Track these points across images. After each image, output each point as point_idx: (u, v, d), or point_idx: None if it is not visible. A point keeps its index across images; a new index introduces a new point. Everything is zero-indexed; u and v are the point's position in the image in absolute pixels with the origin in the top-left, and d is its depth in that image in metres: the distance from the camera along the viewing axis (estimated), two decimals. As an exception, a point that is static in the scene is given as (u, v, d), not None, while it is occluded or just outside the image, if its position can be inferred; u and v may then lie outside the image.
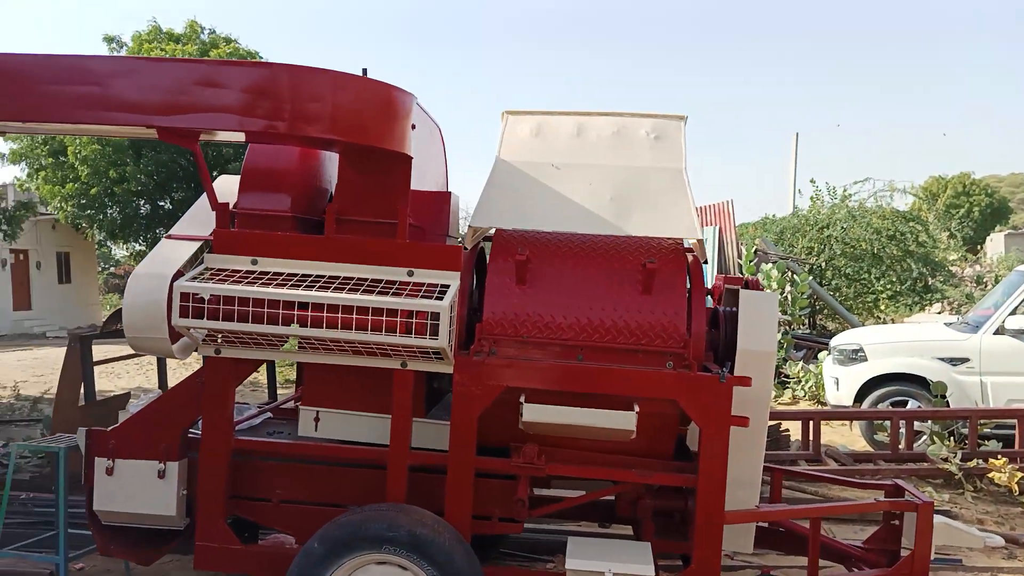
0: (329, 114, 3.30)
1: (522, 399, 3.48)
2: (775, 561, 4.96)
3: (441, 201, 4.11)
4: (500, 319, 3.58)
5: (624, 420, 3.41)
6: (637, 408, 3.45)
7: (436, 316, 3.33)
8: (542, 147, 3.98)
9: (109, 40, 20.34)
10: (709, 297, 4.29)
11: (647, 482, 3.65)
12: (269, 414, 4.50)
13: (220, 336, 3.53)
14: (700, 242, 3.75)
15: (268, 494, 3.82)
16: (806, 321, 17.09)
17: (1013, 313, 7.99)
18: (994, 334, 8.01)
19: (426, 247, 3.64)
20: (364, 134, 3.42)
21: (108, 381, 12.41)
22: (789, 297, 13.10)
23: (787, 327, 13.09)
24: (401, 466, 3.58)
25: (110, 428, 3.82)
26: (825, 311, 17.25)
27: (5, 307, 24.58)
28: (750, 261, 13.17)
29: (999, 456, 6.46)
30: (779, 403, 11.00)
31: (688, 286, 3.65)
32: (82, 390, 6.52)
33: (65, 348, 6.63)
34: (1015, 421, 6.92)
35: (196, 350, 3.67)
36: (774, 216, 20.65)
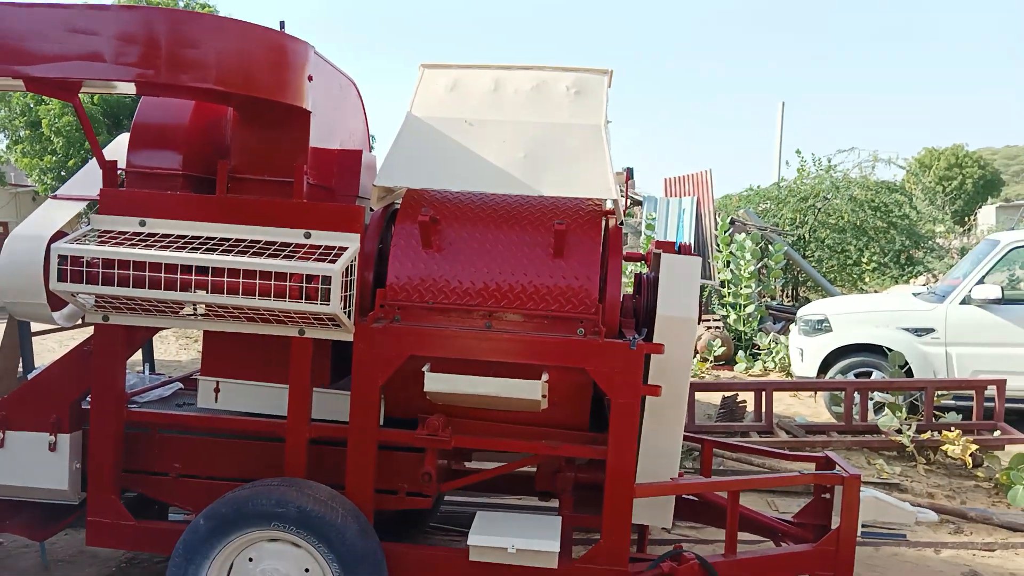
0: (210, 62, 3.06)
1: (425, 368, 3.30)
2: (714, 535, 4.82)
3: (350, 160, 3.89)
4: (404, 284, 3.39)
5: (530, 389, 3.23)
6: (546, 377, 3.27)
7: (328, 280, 3.14)
8: (457, 102, 3.75)
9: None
10: (643, 263, 4.11)
11: (554, 454, 3.49)
12: (180, 385, 4.32)
13: (107, 302, 3.34)
14: (617, 202, 3.55)
15: (166, 468, 3.65)
16: (788, 293, 16.95)
17: (980, 283, 7.82)
18: (960, 304, 7.84)
19: (324, 207, 3.43)
20: (252, 85, 3.19)
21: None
22: (766, 268, 12.94)
23: (762, 298, 12.95)
24: (300, 439, 3.40)
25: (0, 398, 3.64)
26: (808, 283, 17.09)
27: (-16, 279, 24.32)
28: (725, 231, 12.97)
29: (953, 428, 6.31)
30: (749, 375, 10.87)
31: (604, 249, 3.46)
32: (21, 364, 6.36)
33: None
34: (973, 392, 6.77)
35: (83, 318, 3.48)
36: (758, 187, 20.38)
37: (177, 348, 12.69)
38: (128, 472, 3.60)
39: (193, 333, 12.44)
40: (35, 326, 6.53)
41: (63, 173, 19.81)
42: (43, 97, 18.54)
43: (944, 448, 6.19)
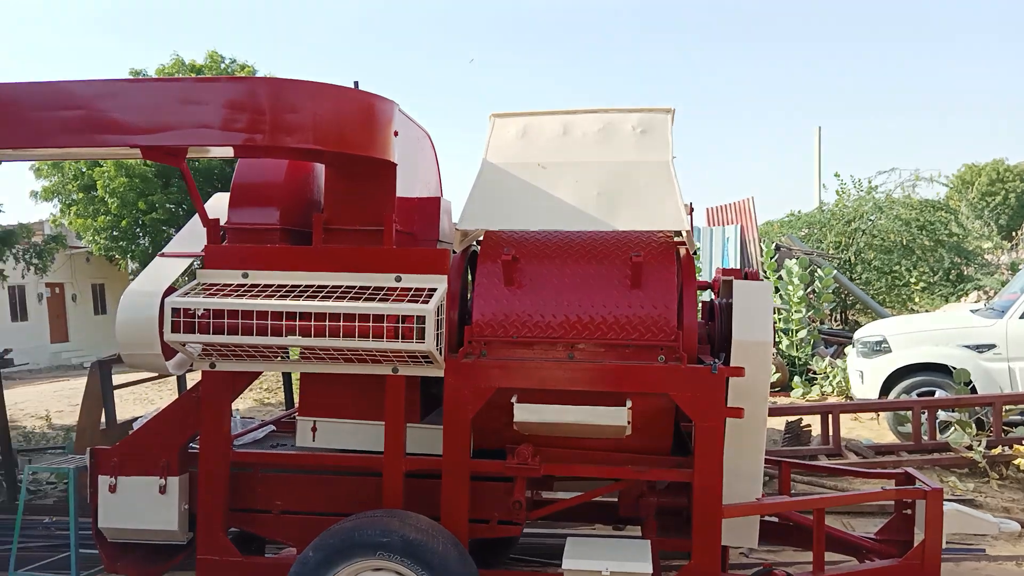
0: (308, 124, 3.32)
1: (513, 399, 3.46)
2: (792, 557, 4.86)
3: (430, 206, 4.12)
4: (490, 320, 3.57)
5: (616, 416, 3.38)
6: (630, 404, 3.41)
7: (422, 320, 3.33)
8: (528, 147, 3.97)
9: (135, 74, 20.83)
10: (710, 291, 4.24)
11: (642, 478, 3.61)
12: (272, 427, 4.53)
13: (214, 350, 3.57)
14: (689, 233, 3.71)
15: (268, 506, 3.84)
16: (836, 316, 16.82)
17: (1039, 296, 7.79)
18: (1020, 318, 7.79)
19: (412, 252, 3.65)
20: (345, 143, 3.44)
21: (141, 407, 12.62)
22: (815, 292, 12.91)
23: (813, 323, 12.90)
24: (396, 472, 3.58)
25: (112, 446, 3.88)
26: (857, 306, 16.95)
27: (43, 340, 25.17)
28: (771, 257, 13.00)
29: (1023, 442, 6.27)
30: (807, 400, 10.81)
31: (678, 278, 3.61)
32: (104, 415, 6.65)
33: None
34: (1043, 406, 6.73)
35: (192, 365, 3.72)
36: (799, 212, 20.36)
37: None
38: (233, 511, 3.79)
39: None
40: (116, 380, 6.88)
41: (115, 232, 20.59)
42: (98, 161, 19.35)
43: (1016, 462, 6.15)
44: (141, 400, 13.43)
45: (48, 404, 13.93)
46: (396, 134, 3.63)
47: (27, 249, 19.19)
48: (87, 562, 4.39)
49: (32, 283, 24.35)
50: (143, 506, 3.79)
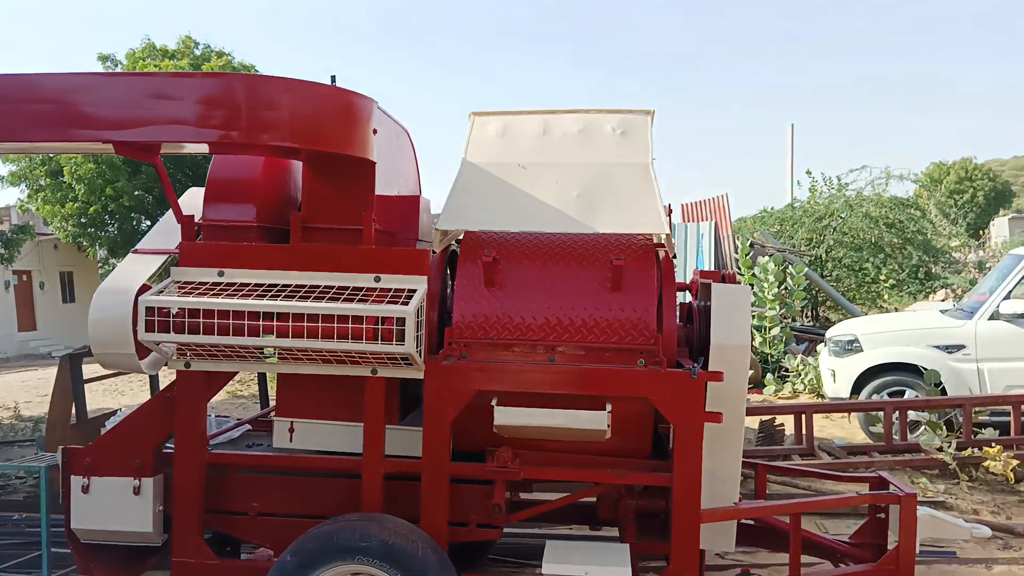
0: (285, 121, 3.27)
1: (493, 402, 3.44)
2: (766, 559, 4.91)
3: (410, 205, 4.08)
4: (470, 322, 3.54)
5: (596, 420, 3.37)
6: (610, 407, 3.41)
7: (402, 321, 3.30)
8: (508, 147, 3.94)
9: (104, 59, 20.42)
10: (687, 292, 4.25)
11: (621, 482, 3.61)
12: (248, 427, 4.47)
13: (189, 350, 3.51)
14: (668, 237, 3.71)
15: (244, 508, 3.78)
16: (808, 313, 17.02)
17: (1007, 298, 7.91)
18: (989, 319, 7.92)
19: (392, 252, 3.61)
20: (323, 140, 3.39)
21: (112, 399, 12.44)
22: (787, 289, 13.04)
23: (785, 320, 13.03)
24: (375, 474, 3.54)
25: (85, 446, 3.80)
26: (828, 303, 17.16)
27: (10, 329, 24.70)
28: (746, 255, 13.10)
29: (993, 444, 6.38)
30: (779, 397, 10.94)
31: (658, 282, 3.61)
32: (74, 409, 6.53)
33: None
34: (1010, 408, 6.84)
35: (166, 364, 3.65)
36: (772, 209, 20.54)
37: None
38: (209, 512, 3.73)
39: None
40: (86, 372, 6.76)
41: (83, 220, 20.21)
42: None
43: (986, 464, 6.26)
44: (112, 392, 13.25)
45: (16, 395, 13.69)
46: (375, 132, 3.58)
47: (-6, 237, 18.79)
48: (59, 561, 4.31)
49: (-2, 270, 23.89)
50: (117, 507, 3.71)
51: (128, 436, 3.75)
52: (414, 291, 3.43)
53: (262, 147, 3.45)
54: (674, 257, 3.83)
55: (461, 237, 3.92)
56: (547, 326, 3.51)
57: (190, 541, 3.63)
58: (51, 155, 19.75)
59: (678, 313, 3.97)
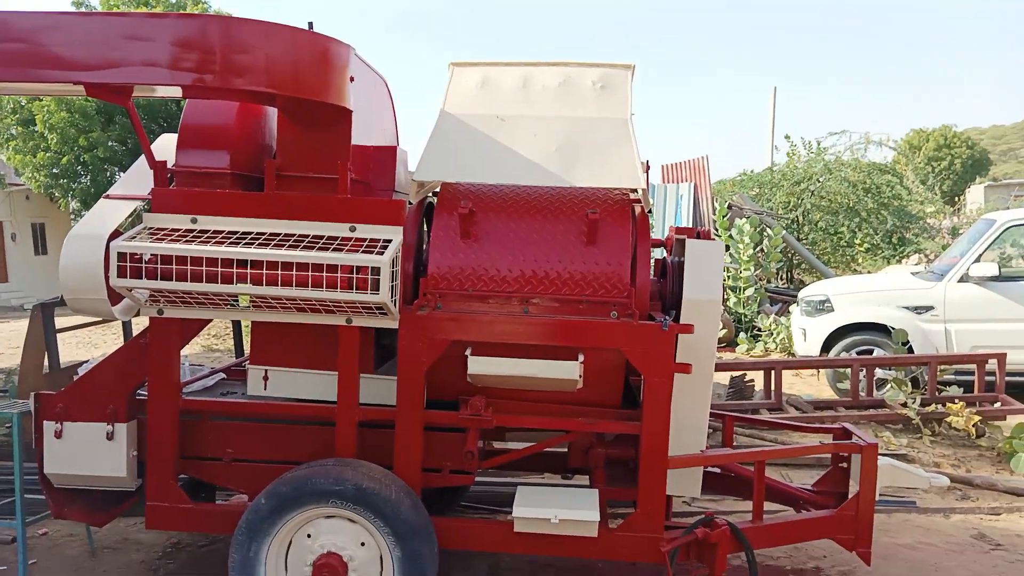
0: (261, 66, 3.21)
1: (468, 352, 3.48)
2: (732, 506, 5.04)
3: (386, 155, 4.05)
4: (445, 273, 3.57)
5: (568, 370, 3.43)
6: (582, 358, 3.46)
7: (376, 271, 3.31)
8: (487, 99, 3.92)
9: (78, 4, 19.89)
10: (663, 248, 4.30)
11: (592, 430, 3.68)
12: (223, 375, 4.49)
13: (162, 296, 3.50)
14: (645, 191, 3.73)
15: (219, 453, 3.82)
16: (783, 275, 17.18)
17: (977, 261, 8.06)
18: (958, 282, 8.07)
19: (367, 202, 3.60)
20: (299, 87, 3.35)
21: (84, 351, 12.36)
22: (763, 251, 13.15)
23: (760, 281, 13.17)
24: (349, 422, 3.58)
25: (57, 392, 3.80)
26: (803, 265, 17.33)
27: (-20, 280, 24.35)
28: (723, 216, 13.17)
29: (956, 401, 6.56)
30: (751, 356, 11.11)
31: (633, 236, 3.64)
32: (47, 359, 6.49)
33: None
34: (975, 366, 7.01)
35: (139, 311, 3.64)
36: (751, 172, 20.60)
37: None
38: (183, 458, 3.77)
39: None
40: (58, 323, 6.71)
41: (56, 170, 19.86)
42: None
43: (948, 420, 6.44)
44: (85, 344, 13.15)
45: (-13, 347, 13.57)
46: (352, 80, 3.55)
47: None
48: (33, 507, 4.33)
49: (-31, 222, 23.48)
50: (90, 452, 3.73)
51: (101, 382, 3.75)
52: (389, 241, 3.43)
53: (237, 92, 3.40)
54: (650, 212, 3.86)
55: (438, 189, 3.92)
56: (522, 278, 3.54)
57: (164, 486, 3.66)
58: (22, 103, 19.34)
59: (653, 268, 4.01)
